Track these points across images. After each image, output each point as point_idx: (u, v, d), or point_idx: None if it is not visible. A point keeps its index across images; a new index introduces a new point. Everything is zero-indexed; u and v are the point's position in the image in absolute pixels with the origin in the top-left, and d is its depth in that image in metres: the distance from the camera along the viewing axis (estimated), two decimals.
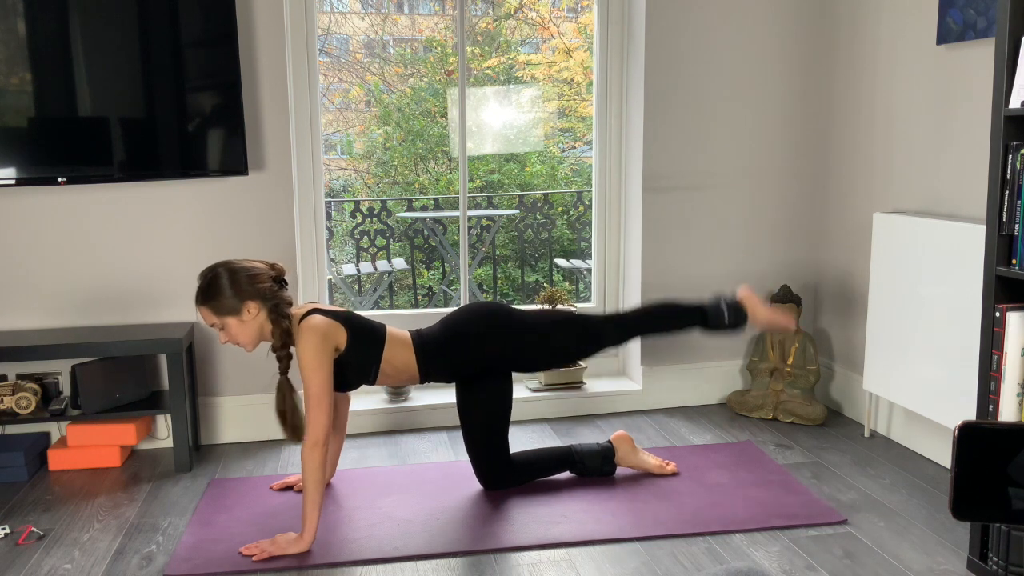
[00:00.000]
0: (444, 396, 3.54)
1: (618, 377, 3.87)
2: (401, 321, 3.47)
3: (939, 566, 2.36)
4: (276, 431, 3.39)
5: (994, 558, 2.24)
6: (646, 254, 3.64)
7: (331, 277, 4.93)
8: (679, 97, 3.57)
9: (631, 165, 3.71)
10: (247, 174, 3.24)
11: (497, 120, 6.35)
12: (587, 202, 5.90)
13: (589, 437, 3.34)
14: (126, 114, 3.14)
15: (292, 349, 2.59)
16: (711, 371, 3.75)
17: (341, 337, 2.59)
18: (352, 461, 3.17)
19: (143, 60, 3.13)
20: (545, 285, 5.70)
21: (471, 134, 4.32)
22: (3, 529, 2.62)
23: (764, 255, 3.74)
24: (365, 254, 6.04)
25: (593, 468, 2.92)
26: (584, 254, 5.91)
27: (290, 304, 2.59)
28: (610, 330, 2.87)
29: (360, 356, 2.63)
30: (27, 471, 3.04)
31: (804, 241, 3.76)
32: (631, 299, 3.76)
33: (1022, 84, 2.13)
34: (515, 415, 3.47)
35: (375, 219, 6.07)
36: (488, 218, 6.06)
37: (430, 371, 2.74)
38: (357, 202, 6.58)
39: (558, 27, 6.79)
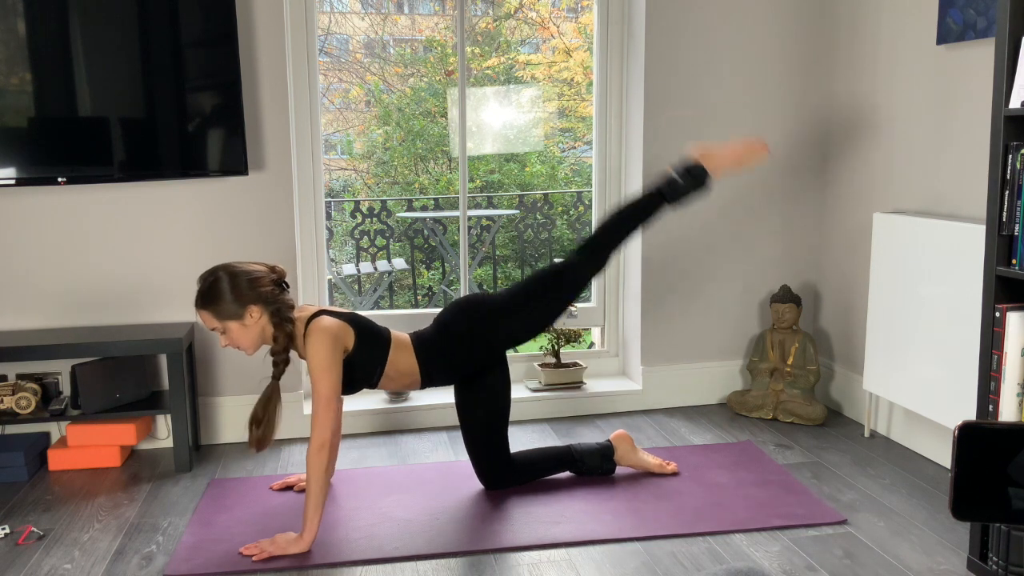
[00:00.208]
0: (444, 396, 3.54)
1: (618, 377, 3.88)
2: (401, 321, 3.47)
3: (939, 566, 2.36)
4: (277, 431, 3.39)
5: (994, 558, 2.24)
6: (646, 254, 3.64)
7: (331, 277, 4.93)
8: (679, 97, 3.57)
9: (631, 165, 3.71)
10: (247, 174, 3.24)
11: (497, 120, 6.35)
12: (587, 202, 5.90)
13: (589, 437, 3.34)
14: (126, 114, 3.14)
15: (292, 354, 2.58)
16: (711, 371, 3.75)
17: (350, 338, 2.59)
18: (352, 461, 3.17)
19: (143, 60, 3.13)
20: None
21: (471, 134, 4.32)
22: (3, 529, 2.62)
23: (764, 255, 3.74)
24: (365, 254, 6.04)
25: (592, 466, 2.92)
26: None
27: (292, 307, 2.58)
28: (583, 263, 2.83)
29: (366, 358, 2.63)
30: (27, 471, 3.04)
31: (804, 241, 3.76)
32: (631, 299, 3.76)
33: (1022, 84, 2.13)
34: (515, 415, 3.48)
35: (375, 219, 6.07)
36: (488, 218, 6.07)
37: (432, 372, 2.74)
38: (357, 202, 6.58)
39: (558, 27, 6.79)
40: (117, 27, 3.08)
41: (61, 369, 3.25)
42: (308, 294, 3.54)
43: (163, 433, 3.34)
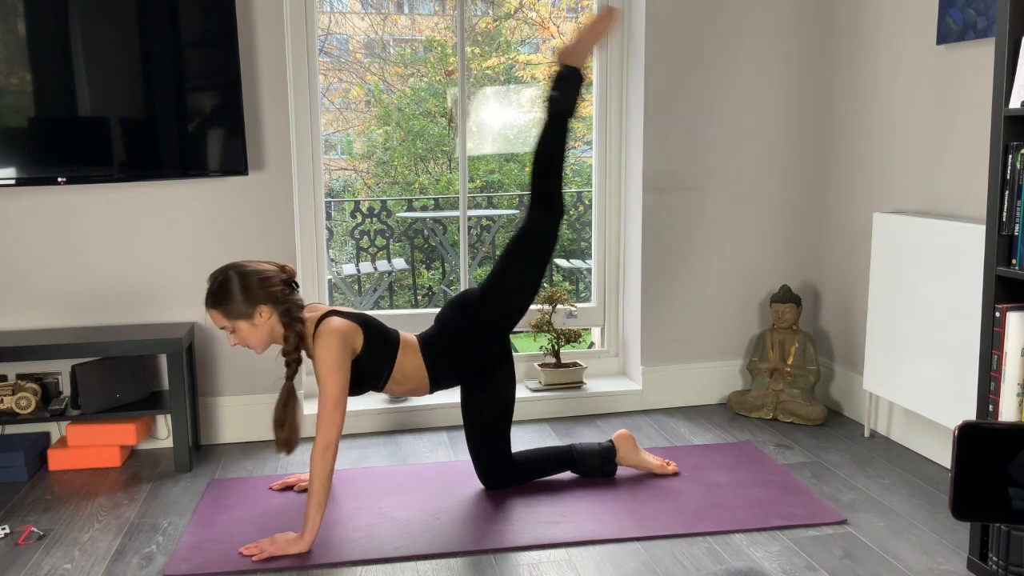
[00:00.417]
0: (443, 396, 3.53)
1: (618, 377, 3.88)
2: (401, 321, 3.47)
3: (939, 566, 2.36)
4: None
5: (994, 558, 2.24)
6: (646, 254, 3.64)
7: (331, 277, 4.93)
8: (679, 97, 3.57)
9: (631, 165, 3.71)
10: (247, 174, 3.24)
11: (497, 120, 6.35)
12: (587, 202, 5.90)
13: (589, 437, 3.34)
14: (126, 114, 3.14)
15: (303, 354, 2.57)
16: (711, 371, 3.75)
17: (359, 340, 2.58)
18: (352, 461, 3.17)
19: (143, 60, 3.13)
20: (545, 285, 5.70)
21: (471, 134, 4.32)
22: (3, 529, 2.62)
23: (764, 255, 3.74)
24: (365, 254, 6.04)
25: (593, 467, 2.91)
26: (584, 254, 5.91)
27: (302, 307, 2.57)
28: (539, 219, 2.75)
29: (374, 360, 2.63)
30: (27, 471, 3.04)
31: (804, 241, 3.76)
32: (631, 299, 3.76)
33: (1022, 84, 2.13)
34: (515, 415, 3.47)
35: (375, 219, 6.07)
36: (488, 218, 6.07)
37: (438, 374, 2.73)
38: (357, 202, 6.58)
39: (558, 27, 6.79)
40: (117, 27, 3.08)
41: (61, 369, 3.25)
42: (308, 294, 3.54)
43: (163, 433, 3.34)
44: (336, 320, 2.54)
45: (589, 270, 4.17)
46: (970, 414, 2.60)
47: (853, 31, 3.46)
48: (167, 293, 3.30)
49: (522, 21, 6.79)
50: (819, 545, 2.48)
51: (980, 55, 2.82)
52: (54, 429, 3.30)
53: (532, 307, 3.70)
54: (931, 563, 2.37)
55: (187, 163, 3.20)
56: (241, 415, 3.39)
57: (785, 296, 3.58)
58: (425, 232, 6.13)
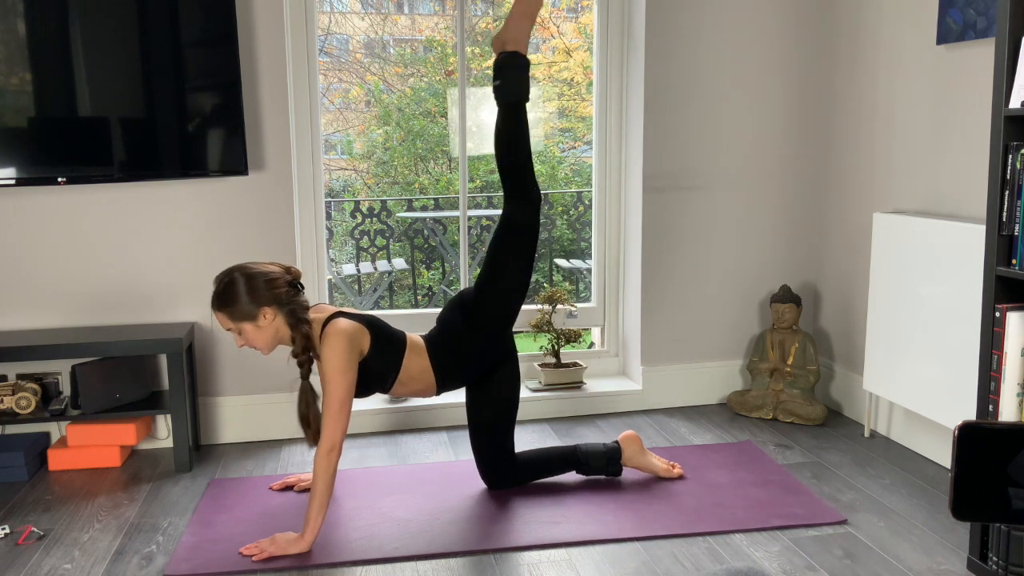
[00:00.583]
0: (444, 396, 3.54)
1: (618, 377, 3.88)
2: (400, 321, 3.47)
3: (939, 566, 2.36)
4: (276, 431, 3.40)
5: (994, 558, 2.24)
6: (646, 254, 3.64)
7: (331, 277, 4.93)
8: (679, 97, 3.57)
9: (631, 165, 3.71)
10: (247, 174, 3.24)
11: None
12: (587, 202, 5.90)
13: (589, 437, 3.34)
14: (126, 114, 3.14)
15: (311, 354, 2.57)
16: (711, 371, 3.75)
17: (365, 341, 2.58)
18: (352, 461, 3.17)
19: (143, 60, 3.13)
20: (545, 285, 5.70)
21: (471, 134, 4.32)
22: (3, 529, 2.62)
23: (764, 255, 3.74)
24: (365, 254, 6.05)
25: (598, 469, 2.91)
26: (584, 254, 5.91)
27: (307, 308, 2.57)
28: (518, 208, 2.72)
29: (381, 362, 2.62)
30: (27, 471, 3.04)
31: (804, 241, 3.76)
32: (631, 299, 3.76)
33: (1022, 84, 2.13)
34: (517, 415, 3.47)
35: (375, 219, 6.07)
36: (488, 218, 6.07)
37: (445, 375, 2.73)
38: (357, 202, 6.58)
39: (558, 27, 6.79)
40: (117, 27, 3.08)
41: (61, 369, 3.25)
42: (308, 294, 3.53)
43: (163, 433, 3.34)
44: (343, 322, 2.54)
45: (589, 270, 4.17)
46: (970, 414, 2.60)
47: (853, 31, 3.46)
48: (167, 293, 3.30)
49: None
50: (819, 545, 2.48)
51: (980, 55, 2.82)
52: (54, 429, 3.30)
53: (532, 307, 3.71)
54: (931, 563, 2.37)
55: (187, 163, 3.20)
56: (241, 415, 3.39)
57: (785, 296, 3.58)
58: (425, 232, 6.13)
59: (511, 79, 2.69)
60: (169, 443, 3.30)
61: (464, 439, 3.19)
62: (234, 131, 3.18)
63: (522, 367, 3.74)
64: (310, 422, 2.55)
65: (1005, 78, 2.16)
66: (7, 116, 3.05)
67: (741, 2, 3.56)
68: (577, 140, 6.91)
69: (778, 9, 3.59)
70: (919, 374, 2.97)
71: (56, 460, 3.13)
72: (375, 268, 5.97)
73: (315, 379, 2.55)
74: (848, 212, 3.56)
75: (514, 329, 2.89)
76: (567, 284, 6.07)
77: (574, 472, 2.94)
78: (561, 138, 6.95)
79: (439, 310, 2.89)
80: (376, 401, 3.55)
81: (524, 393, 3.62)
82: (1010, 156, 2.16)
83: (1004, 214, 2.19)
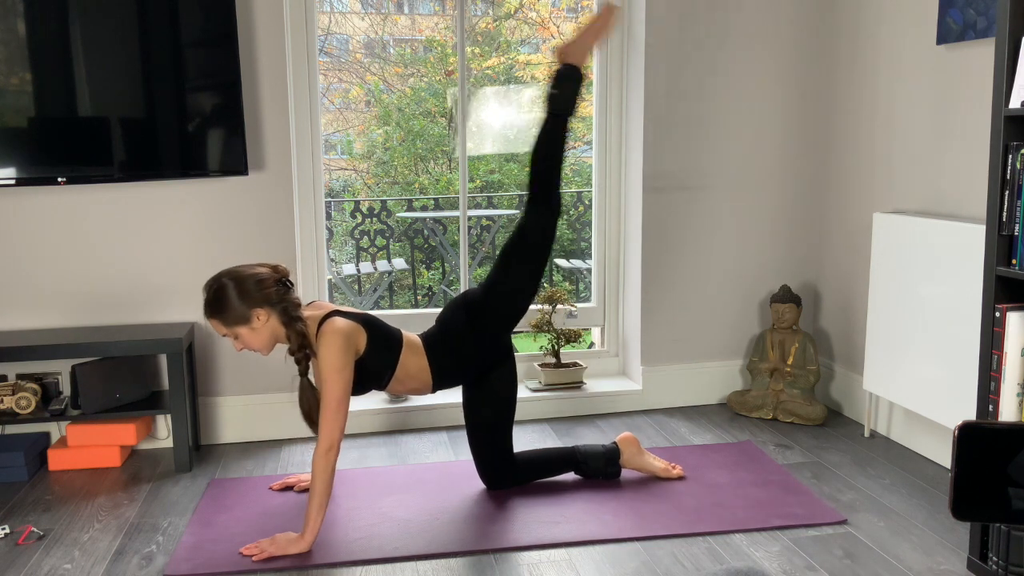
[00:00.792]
0: (444, 396, 3.54)
1: (618, 377, 3.88)
2: (401, 321, 3.47)
3: (939, 566, 2.36)
4: (276, 431, 3.40)
5: (994, 558, 2.24)
6: (646, 254, 3.64)
7: (331, 277, 4.93)
8: (679, 97, 3.57)
9: (631, 165, 3.71)
10: (247, 174, 3.24)
11: (497, 120, 6.35)
12: (587, 202, 5.90)
13: (589, 437, 3.34)
14: (126, 114, 3.14)
15: (308, 351, 2.57)
16: (711, 371, 3.75)
17: (362, 340, 2.58)
18: (352, 461, 3.17)
19: (143, 60, 3.13)
20: (545, 285, 5.70)
21: (471, 134, 4.32)
22: (3, 529, 2.62)
23: (764, 255, 3.74)
24: (365, 254, 6.04)
25: (596, 469, 2.91)
26: (584, 254, 5.91)
27: (299, 305, 2.57)
28: (538, 215, 2.77)
29: (377, 360, 2.62)
30: (27, 471, 3.04)
31: (804, 241, 3.76)
32: (631, 299, 3.76)
33: (1022, 84, 2.13)
34: (516, 415, 3.47)
35: (375, 219, 6.07)
36: (488, 218, 6.07)
37: (443, 373, 2.73)
38: (357, 202, 6.58)
39: (558, 27, 6.79)
40: (117, 27, 3.08)
41: (61, 369, 3.25)
42: (308, 294, 3.54)
43: (163, 433, 3.34)
44: (339, 321, 2.54)
45: (589, 270, 4.17)
46: (970, 414, 2.60)
47: (853, 31, 3.46)
48: (167, 293, 3.30)
49: (522, 21, 6.79)
50: (819, 545, 2.48)
51: (980, 55, 2.82)
52: (54, 429, 3.30)
53: (532, 307, 3.71)
54: (931, 563, 2.37)
55: (187, 163, 3.20)
56: (241, 415, 3.39)
57: (785, 296, 3.58)
58: (425, 232, 6.13)
59: (567, 91, 2.75)
60: (169, 443, 3.30)
61: (464, 439, 3.19)
62: (234, 131, 3.18)
63: (522, 367, 3.76)
64: (314, 418, 2.55)
65: (1005, 78, 2.16)
66: (7, 116, 3.05)
67: (741, 2, 3.56)
68: (577, 140, 6.91)
69: (778, 9, 3.59)
70: (919, 374, 2.97)
71: (56, 460, 3.13)
72: (375, 268, 5.97)
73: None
74: (848, 212, 3.56)
75: (513, 329, 2.89)
76: (567, 284, 6.07)
77: (573, 472, 2.95)
78: None
79: (439, 310, 2.89)
80: (376, 401, 3.55)
81: (524, 393, 3.62)
82: (1010, 156, 2.16)
83: (1004, 214, 2.19)
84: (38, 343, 3.01)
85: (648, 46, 3.52)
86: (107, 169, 3.14)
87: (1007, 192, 2.17)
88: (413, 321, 3.46)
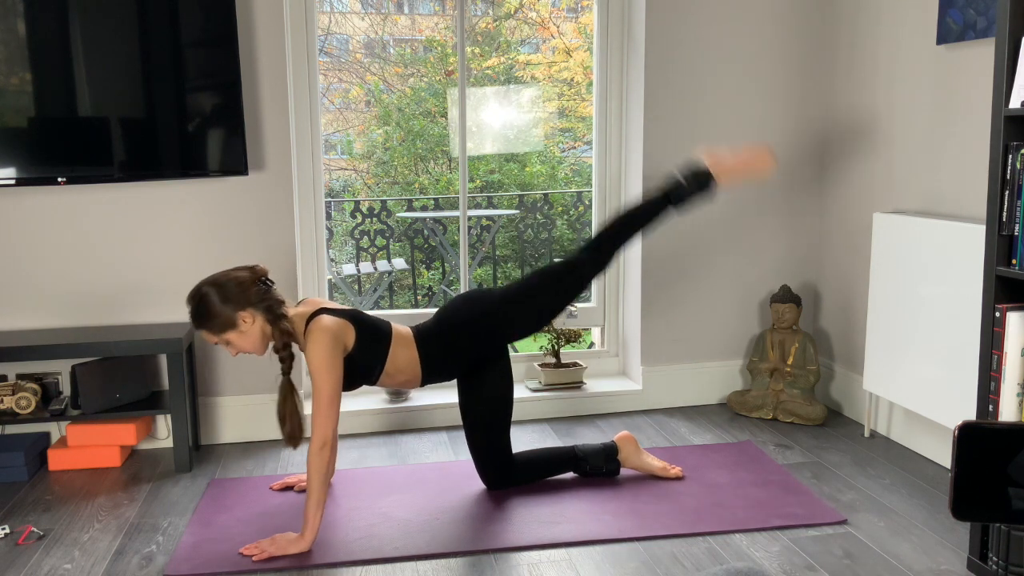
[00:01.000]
0: (444, 396, 3.54)
1: (618, 377, 3.88)
2: (401, 321, 3.47)
3: (939, 566, 2.36)
4: (276, 431, 3.39)
5: (994, 558, 2.24)
6: (646, 254, 3.64)
7: (331, 277, 4.93)
8: (679, 97, 3.57)
9: (631, 165, 3.71)
10: (247, 174, 3.24)
11: (497, 120, 6.35)
12: (587, 202, 5.90)
13: (589, 437, 3.34)
14: (126, 114, 3.14)
15: (295, 349, 2.58)
16: (711, 371, 3.75)
17: (350, 336, 2.58)
18: (352, 461, 3.17)
19: (143, 60, 3.13)
20: None
21: (471, 134, 4.32)
22: (3, 529, 2.62)
23: (764, 255, 3.74)
24: (365, 254, 6.04)
25: (597, 467, 2.91)
26: None
27: (282, 302, 2.58)
28: (586, 263, 2.84)
29: (366, 355, 2.63)
30: (27, 471, 3.04)
31: (804, 241, 3.76)
32: (631, 299, 3.76)
33: (1022, 84, 2.13)
34: (515, 415, 3.47)
35: (375, 219, 6.07)
36: (488, 218, 6.06)
37: (433, 366, 2.74)
38: (357, 202, 6.58)
39: (558, 27, 6.79)
40: (117, 27, 3.08)
41: (61, 369, 3.25)
42: (308, 294, 3.54)
43: (163, 433, 3.34)
44: (326, 319, 2.54)
45: None
46: (970, 414, 2.60)
47: (853, 31, 3.46)
48: (167, 293, 3.30)
49: (522, 21, 6.79)
50: (819, 545, 2.48)
51: (980, 55, 2.82)
52: (54, 429, 3.30)
53: None
54: (931, 563, 2.37)
55: (187, 163, 3.20)
56: (241, 415, 3.39)
57: (785, 296, 3.58)
58: (425, 232, 6.12)
59: (692, 192, 2.82)
60: (169, 443, 3.30)
61: (464, 439, 3.19)
62: (234, 131, 3.18)
63: (522, 367, 3.76)
64: (286, 420, 2.54)
65: (1005, 78, 2.16)
66: (7, 116, 3.05)
67: (741, 2, 3.56)
68: (577, 140, 6.91)
69: (778, 9, 3.59)
70: (919, 374, 2.97)
71: (56, 460, 3.13)
72: (375, 268, 5.97)
73: (300, 378, 2.54)
74: (848, 212, 3.56)
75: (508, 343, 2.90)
76: None
77: (571, 472, 2.95)
78: (561, 138, 6.95)
79: (442, 306, 2.88)
80: (376, 401, 3.55)
81: (524, 393, 3.62)
82: (1010, 156, 2.16)
83: (1004, 214, 2.19)
84: (38, 343, 3.01)
85: (648, 46, 3.52)
86: (107, 169, 3.14)
87: (1007, 192, 2.17)
88: (413, 321, 3.45)
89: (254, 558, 2.42)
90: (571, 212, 6.34)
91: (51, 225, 3.22)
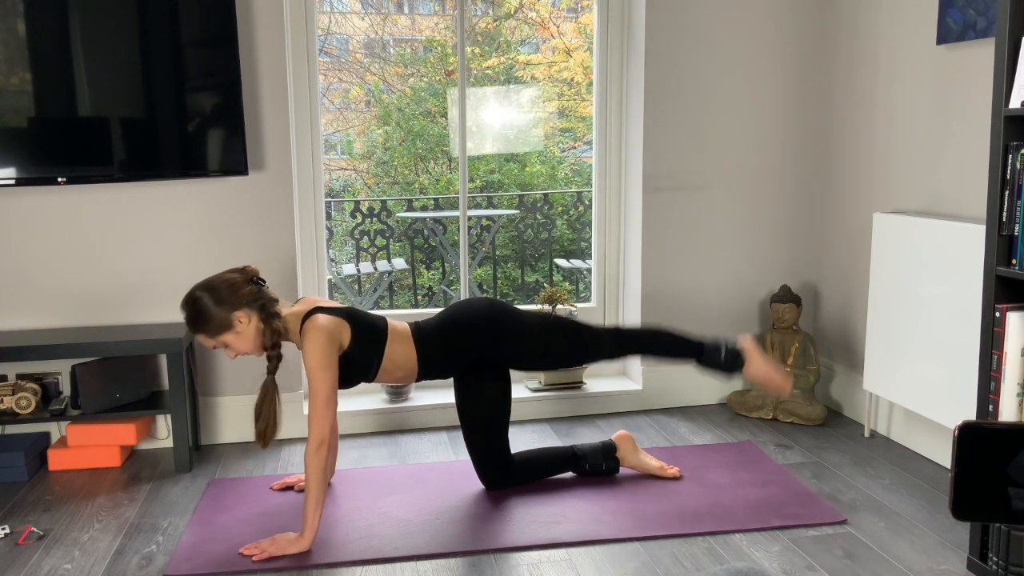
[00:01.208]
0: (444, 396, 3.54)
1: (618, 377, 3.87)
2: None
3: (939, 566, 2.36)
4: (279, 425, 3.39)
5: (994, 558, 2.24)
6: (646, 254, 3.64)
7: (331, 277, 4.93)
8: (679, 97, 3.57)
9: (631, 165, 3.71)
10: (247, 174, 3.24)
11: (497, 120, 6.34)
12: (587, 202, 5.90)
13: (589, 437, 3.34)
14: (126, 114, 3.14)
15: (294, 349, 2.58)
16: None
17: (346, 335, 2.59)
18: (352, 461, 3.17)
19: (143, 60, 3.13)
20: (545, 285, 5.70)
21: (471, 134, 4.32)
22: (3, 529, 2.62)
23: (764, 255, 3.74)
24: (365, 254, 6.04)
25: (596, 465, 2.91)
26: (584, 254, 5.90)
27: (276, 301, 2.59)
28: (606, 341, 2.85)
29: (363, 353, 2.63)
30: (27, 471, 3.04)
31: (804, 241, 3.76)
32: (631, 299, 3.76)
33: (1022, 84, 2.13)
34: (515, 415, 3.47)
35: (375, 219, 6.07)
36: (488, 218, 6.06)
37: (429, 363, 2.73)
38: (357, 202, 6.58)
39: (558, 27, 6.79)
40: (117, 27, 3.08)
41: (61, 369, 3.25)
42: (308, 294, 3.54)
43: (163, 433, 3.34)
44: (321, 318, 2.55)
45: (589, 270, 4.17)
46: (970, 414, 2.60)
47: (853, 31, 3.46)
48: (167, 293, 3.30)
49: (522, 21, 6.78)
50: (819, 545, 2.48)
51: (980, 55, 2.82)
52: (54, 429, 3.30)
53: (532, 307, 3.71)
54: (931, 563, 2.37)
55: (187, 163, 3.20)
56: (241, 415, 3.39)
57: (785, 296, 3.58)
58: (425, 232, 6.12)
59: (721, 362, 2.81)
60: (169, 443, 3.30)
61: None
62: (234, 131, 3.18)
63: None
64: (260, 417, 2.54)
65: (1005, 78, 2.16)
66: (7, 116, 3.05)
67: (741, 2, 3.56)
68: (577, 140, 6.90)
69: (778, 9, 3.59)
70: (919, 374, 2.97)
71: (56, 460, 3.13)
72: (375, 268, 5.97)
73: (287, 381, 2.54)
74: (848, 212, 3.56)
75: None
76: (567, 284, 6.07)
77: (570, 472, 2.95)
78: (561, 138, 6.95)
79: (439, 310, 2.88)
80: (376, 401, 3.55)
81: (524, 393, 3.62)
82: (1010, 156, 2.16)
83: (1004, 214, 2.19)
84: (38, 343, 3.01)
85: (648, 46, 3.52)
86: (107, 169, 3.14)
87: (1007, 192, 2.17)
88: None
89: (254, 558, 2.42)
90: (571, 212, 6.34)
91: (51, 225, 3.22)
